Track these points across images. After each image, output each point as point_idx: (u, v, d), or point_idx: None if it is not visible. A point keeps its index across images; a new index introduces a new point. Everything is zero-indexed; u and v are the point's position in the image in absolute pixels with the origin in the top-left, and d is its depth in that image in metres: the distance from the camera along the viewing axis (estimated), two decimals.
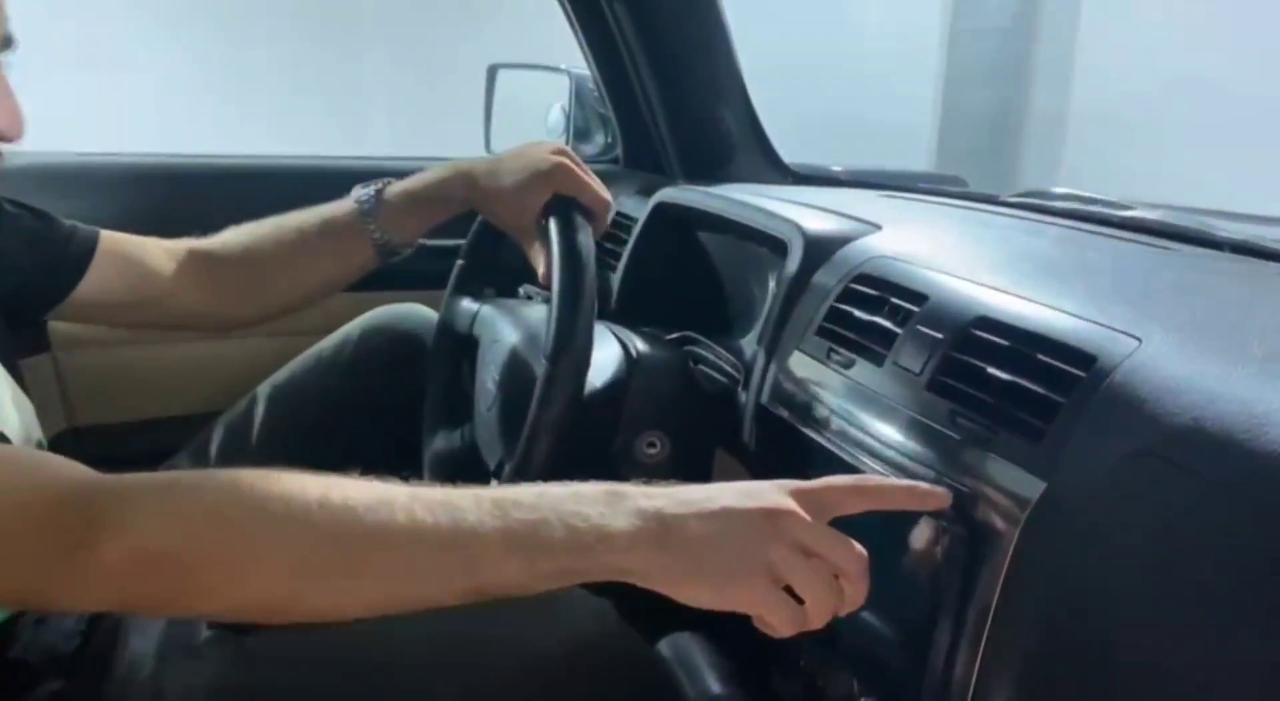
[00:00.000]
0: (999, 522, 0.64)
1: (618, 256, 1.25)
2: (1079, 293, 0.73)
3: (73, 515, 0.56)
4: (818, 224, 0.96)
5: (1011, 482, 0.64)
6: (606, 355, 0.99)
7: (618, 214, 1.35)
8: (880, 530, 0.72)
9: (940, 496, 0.65)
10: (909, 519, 0.69)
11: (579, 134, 1.56)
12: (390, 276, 1.35)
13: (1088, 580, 0.60)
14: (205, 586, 0.57)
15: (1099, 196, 1.06)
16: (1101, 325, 0.67)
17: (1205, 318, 0.68)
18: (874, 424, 0.75)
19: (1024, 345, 0.69)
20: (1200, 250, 0.90)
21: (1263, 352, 0.61)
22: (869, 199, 1.17)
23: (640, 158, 1.48)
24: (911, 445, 0.71)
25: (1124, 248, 0.90)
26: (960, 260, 0.83)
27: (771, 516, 0.61)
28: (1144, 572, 0.58)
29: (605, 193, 0.96)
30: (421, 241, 1.37)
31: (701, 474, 1.03)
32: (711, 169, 1.38)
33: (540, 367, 0.86)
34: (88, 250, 1.00)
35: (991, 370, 0.69)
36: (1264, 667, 0.51)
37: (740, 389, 0.98)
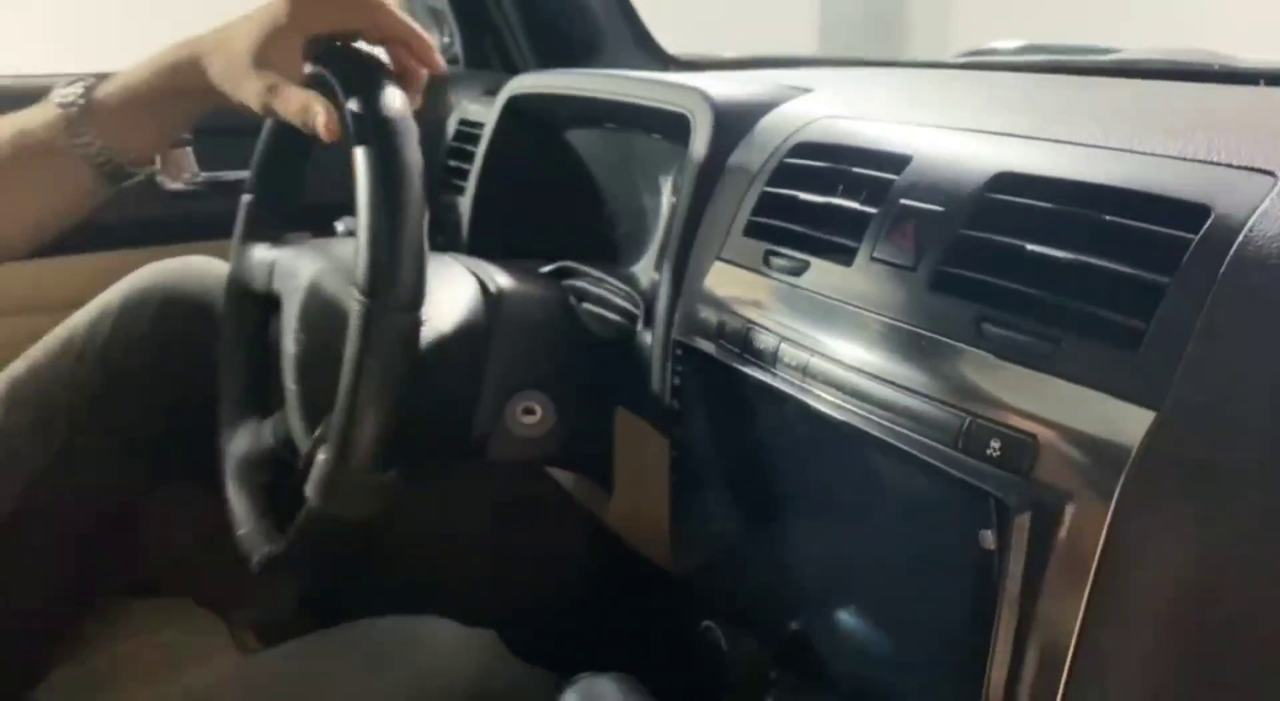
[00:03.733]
0: (1081, 484, 0.40)
1: (465, 175, 0.97)
2: (1140, 126, 0.49)
3: None
4: (727, 89, 0.70)
5: (1096, 419, 0.40)
6: (456, 294, 0.72)
7: (462, 123, 1.07)
8: (882, 503, 0.48)
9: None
10: (929, 487, 0.44)
11: None
12: (168, 224, 1.05)
13: (1237, 570, 0.37)
14: None
15: (1065, 44, 0.82)
16: (1202, 161, 0.43)
17: None
18: (849, 348, 0.51)
19: (1079, 204, 0.45)
20: (1238, 87, 0.68)
21: None
22: (781, 73, 0.91)
23: (484, 54, 1.19)
24: (917, 373, 0.47)
25: (1157, 86, 0.66)
26: (940, 110, 0.58)
27: None
28: None
29: (406, 21, 0.66)
30: (205, 174, 1.07)
31: (600, 444, 0.78)
32: (574, 59, 1.11)
33: (354, 308, 0.59)
34: None
35: (1033, 248, 0.45)
36: None
37: (640, 326, 0.72)
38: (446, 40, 1.24)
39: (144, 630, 0.90)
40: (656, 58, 1.16)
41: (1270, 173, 0.40)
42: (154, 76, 0.67)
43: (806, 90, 0.71)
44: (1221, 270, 0.38)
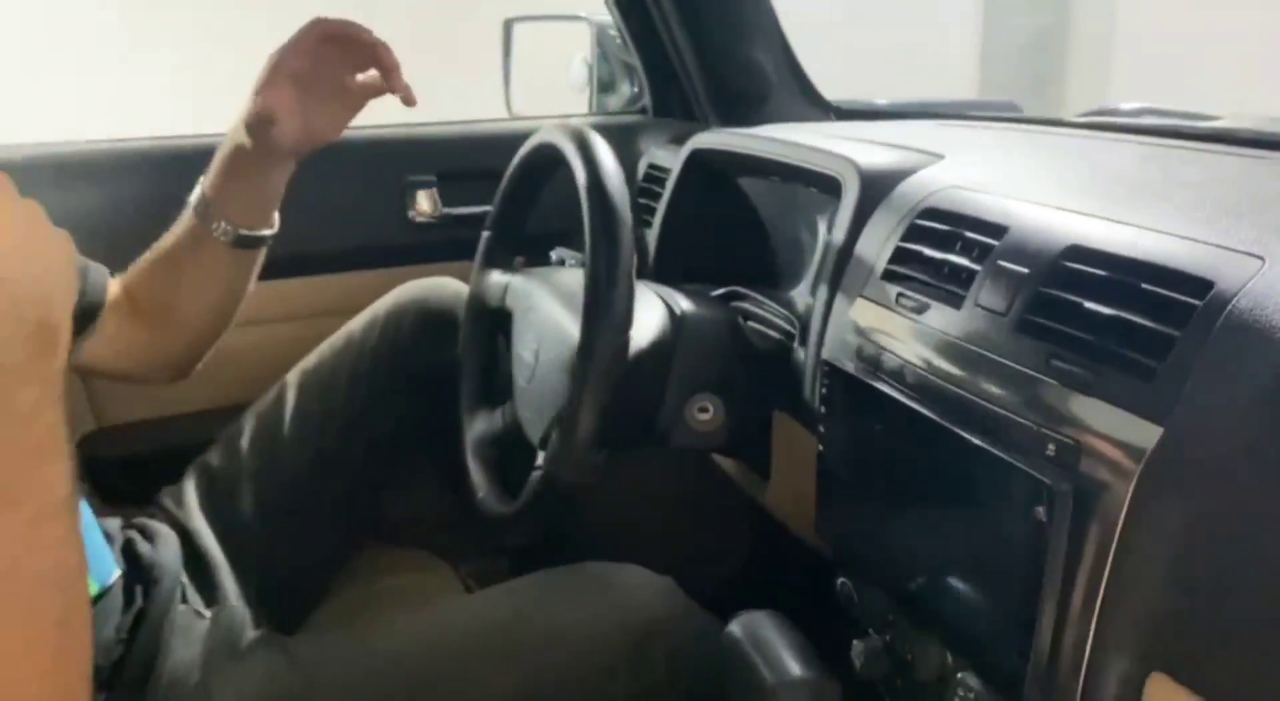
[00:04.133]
0: (1109, 476, 0.56)
1: (653, 211, 1.18)
2: (1181, 211, 0.65)
3: None
4: (873, 157, 0.87)
5: (1121, 430, 0.56)
6: (649, 315, 0.92)
7: (650, 167, 1.27)
8: (972, 488, 0.65)
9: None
10: (1006, 476, 0.61)
11: (603, 85, 1.48)
12: (417, 249, 1.29)
13: (1218, 540, 0.53)
14: None
15: (1178, 108, 0.96)
16: (1214, 245, 0.59)
17: None
18: (956, 373, 0.68)
19: (1125, 274, 0.61)
20: None
21: None
22: (923, 129, 1.08)
23: (669, 105, 1.40)
24: (1002, 393, 0.64)
25: (1221, 160, 0.80)
26: (1039, 185, 0.74)
27: None
28: None
29: (364, 40, 0.87)
30: (446, 210, 1.31)
31: (759, 438, 0.96)
32: (747, 111, 1.30)
33: (578, 329, 0.80)
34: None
35: (1089, 305, 0.61)
36: None
37: (796, 344, 0.90)
38: (636, 91, 1.46)
39: (389, 573, 1.12)
40: (819, 106, 1.34)
41: (1260, 257, 0.56)
42: (227, 154, 0.91)
43: (939, 156, 0.87)
44: (1215, 328, 0.54)
